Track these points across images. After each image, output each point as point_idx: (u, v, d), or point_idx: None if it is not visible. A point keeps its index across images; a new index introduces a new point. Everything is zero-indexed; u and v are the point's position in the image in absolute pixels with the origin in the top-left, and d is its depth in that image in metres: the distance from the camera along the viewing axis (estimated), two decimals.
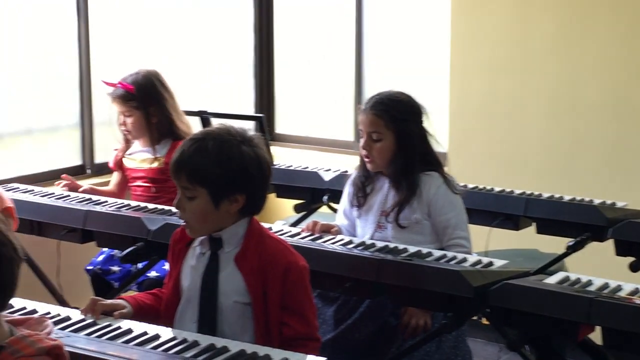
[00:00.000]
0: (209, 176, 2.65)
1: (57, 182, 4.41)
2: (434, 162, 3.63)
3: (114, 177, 4.56)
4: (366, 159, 3.61)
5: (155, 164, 4.31)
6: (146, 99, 4.28)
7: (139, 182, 4.39)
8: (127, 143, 4.45)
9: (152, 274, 3.95)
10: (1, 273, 2.00)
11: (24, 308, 2.70)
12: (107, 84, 4.35)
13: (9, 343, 2.02)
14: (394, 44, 6.06)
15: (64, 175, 4.43)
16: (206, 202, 2.68)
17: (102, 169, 5.17)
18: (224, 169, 2.66)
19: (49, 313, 2.63)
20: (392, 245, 3.42)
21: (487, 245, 4.02)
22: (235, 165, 2.67)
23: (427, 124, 3.63)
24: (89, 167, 5.23)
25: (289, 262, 2.73)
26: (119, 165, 4.49)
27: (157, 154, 4.31)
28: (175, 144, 4.21)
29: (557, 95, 5.13)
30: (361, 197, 3.69)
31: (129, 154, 4.45)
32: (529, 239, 4.35)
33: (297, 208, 4.56)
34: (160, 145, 4.32)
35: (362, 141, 3.59)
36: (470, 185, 4.23)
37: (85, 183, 4.57)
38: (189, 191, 2.68)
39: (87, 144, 5.23)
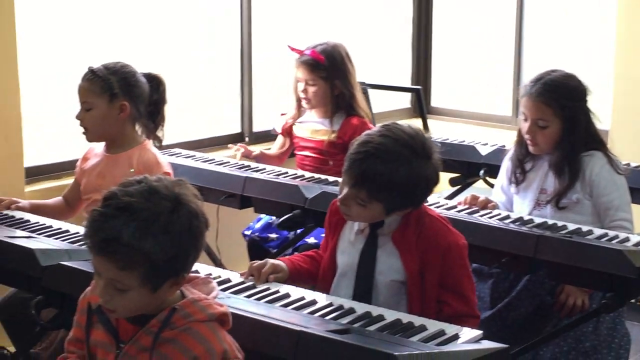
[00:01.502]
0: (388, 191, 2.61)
1: (230, 145, 4.48)
2: (597, 141, 3.53)
3: (278, 142, 4.60)
4: (529, 142, 3.53)
5: (327, 137, 4.30)
6: (334, 70, 4.27)
7: (307, 152, 4.41)
8: (299, 110, 4.46)
9: (311, 240, 3.98)
10: (194, 242, 2.07)
11: None
12: (293, 49, 4.37)
13: (181, 306, 2.09)
14: (555, 16, 5.91)
15: (240, 144, 4.51)
16: (378, 212, 2.67)
17: (261, 137, 5.27)
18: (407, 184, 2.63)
19: (210, 275, 2.70)
20: (550, 222, 3.35)
21: None
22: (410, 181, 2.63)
23: (589, 102, 3.53)
24: (247, 135, 5.33)
25: (449, 242, 2.71)
26: (288, 131, 4.52)
27: (332, 127, 4.31)
28: (349, 119, 4.25)
29: None
30: (520, 174, 3.62)
31: (300, 122, 4.46)
32: None
33: (452, 181, 4.53)
34: (335, 118, 4.31)
35: (525, 125, 3.51)
36: (634, 164, 4.10)
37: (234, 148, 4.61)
38: (363, 202, 2.64)
39: (247, 113, 5.34)
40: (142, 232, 1.97)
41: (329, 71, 4.27)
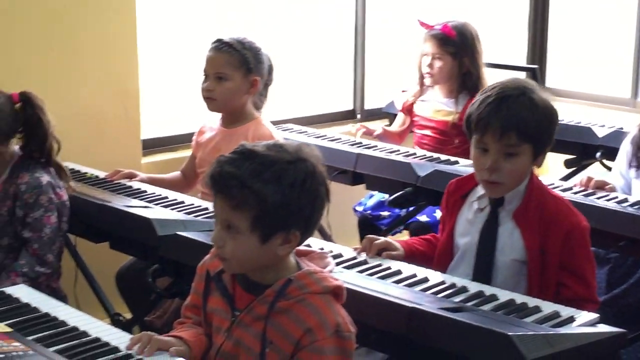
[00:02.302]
0: (537, 133, 2.61)
1: (352, 122, 4.48)
2: None
3: (398, 120, 4.58)
4: None
5: (450, 118, 4.26)
6: (464, 47, 4.25)
7: (426, 131, 4.38)
8: (421, 88, 4.44)
9: (423, 217, 3.96)
10: (309, 200, 2.09)
11: None
12: (423, 24, 4.35)
13: (297, 277, 2.11)
14: None
15: (361, 124, 4.52)
16: (527, 160, 2.63)
17: (372, 114, 5.26)
18: (549, 126, 2.63)
19: (322, 249, 2.71)
20: None
21: None
22: (554, 124, 2.64)
23: None
24: (359, 112, 5.33)
25: (572, 223, 2.65)
26: (408, 109, 4.50)
27: (455, 108, 4.27)
28: (472, 100, 4.20)
29: None
30: None
31: (422, 100, 4.44)
32: None
33: (568, 163, 4.44)
34: (459, 99, 4.28)
35: None
36: None
37: (355, 126, 4.63)
38: (512, 148, 2.61)
39: (359, 89, 5.33)
40: (256, 173, 2.03)
41: (458, 47, 4.24)
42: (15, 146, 3.12)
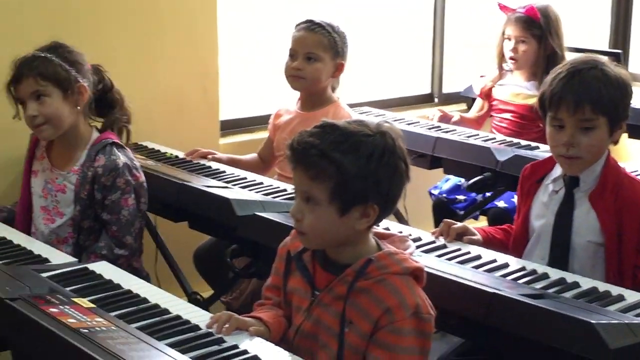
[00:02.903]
0: (611, 105, 2.58)
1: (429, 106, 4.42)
2: None
3: (476, 105, 4.54)
4: None
5: (530, 101, 4.19)
6: (548, 30, 4.19)
7: (505, 115, 4.34)
8: (500, 72, 4.40)
9: (501, 203, 3.92)
10: (388, 174, 2.09)
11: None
12: (503, 8, 4.31)
13: (377, 257, 2.10)
14: None
15: (438, 108, 4.50)
16: (604, 134, 2.61)
17: (450, 98, 5.22)
18: (623, 98, 2.60)
19: (401, 232, 2.70)
20: None
21: None
22: (628, 97, 2.61)
23: None
24: (436, 96, 5.28)
25: None
26: (487, 94, 4.45)
27: (536, 91, 4.16)
28: None
29: None
30: None
31: (501, 84, 4.39)
32: None
33: None
34: (538, 82, 4.21)
35: None
36: None
37: (432, 112, 4.60)
38: (588, 122, 2.58)
39: (437, 73, 5.28)
40: (335, 144, 2.05)
41: (543, 29, 4.18)
42: (92, 128, 3.14)
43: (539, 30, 4.18)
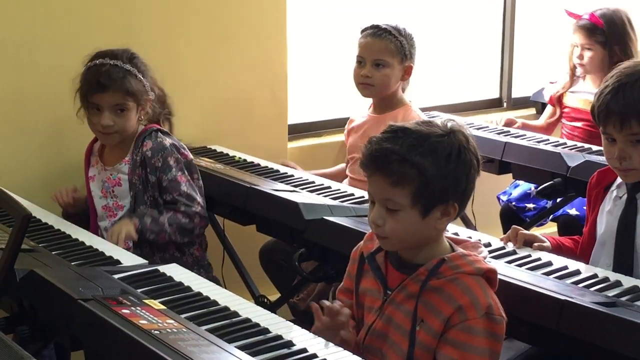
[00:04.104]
0: None
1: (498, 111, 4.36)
2: None
3: (547, 112, 4.50)
4: None
5: None
6: (613, 35, 4.14)
7: (577, 123, 4.29)
8: (572, 79, 4.35)
9: (572, 211, 3.87)
10: (465, 172, 2.12)
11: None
12: (571, 14, 4.27)
13: (450, 258, 2.12)
14: None
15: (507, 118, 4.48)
16: None
17: (519, 103, 5.17)
18: None
19: (470, 238, 2.67)
20: None
21: None
22: None
23: None
24: (505, 100, 5.24)
25: None
26: (558, 100, 4.41)
27: None
28: None
29: None
30: None
31: (572, 92, 4.35)
32: None
33: None
34: None
35: None
36: None
37: (500, 116, 4.56)
38: (637, 136, 2.51)
39: (506, 78, 5.24)
40: (413, 147, 2.07)
41: (607, 36, 4.13)
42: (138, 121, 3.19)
43: (603, 36, 4.13)
